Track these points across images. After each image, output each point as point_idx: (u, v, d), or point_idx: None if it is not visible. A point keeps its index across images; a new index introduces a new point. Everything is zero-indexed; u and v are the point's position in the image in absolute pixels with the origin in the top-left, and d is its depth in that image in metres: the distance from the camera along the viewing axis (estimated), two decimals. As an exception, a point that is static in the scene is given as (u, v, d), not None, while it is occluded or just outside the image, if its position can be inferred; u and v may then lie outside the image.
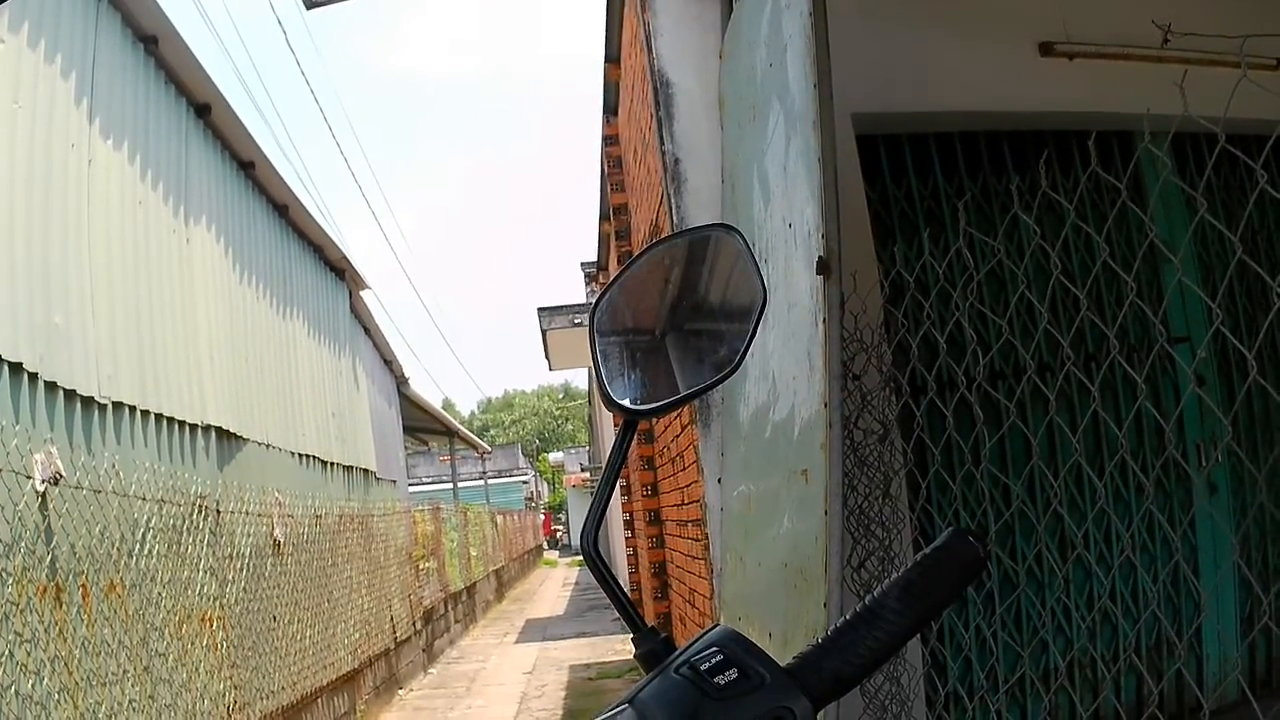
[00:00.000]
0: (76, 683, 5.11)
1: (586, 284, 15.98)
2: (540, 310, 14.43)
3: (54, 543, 5.10)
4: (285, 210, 11.16)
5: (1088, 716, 4.07)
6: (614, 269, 11.01)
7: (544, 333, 14.56)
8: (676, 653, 1.00)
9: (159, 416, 7.08)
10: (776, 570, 3.35)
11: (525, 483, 54.59)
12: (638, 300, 1.25)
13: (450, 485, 27.90)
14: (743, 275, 1.17)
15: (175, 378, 7.50)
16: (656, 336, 1.23)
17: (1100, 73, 4.57)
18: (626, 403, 1.16)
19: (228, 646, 7.35)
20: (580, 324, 13.81)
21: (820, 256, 2.90)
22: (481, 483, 36.32)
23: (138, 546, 6.04)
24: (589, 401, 33.14)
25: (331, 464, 12.02)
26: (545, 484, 61.80)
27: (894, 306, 3.87)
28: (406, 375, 18.37)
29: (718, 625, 1.03)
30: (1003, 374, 4.36)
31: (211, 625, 7.09)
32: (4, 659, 4.54)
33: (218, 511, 7.48)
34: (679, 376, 1.19)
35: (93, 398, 6.07)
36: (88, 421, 6.02)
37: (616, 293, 1.23)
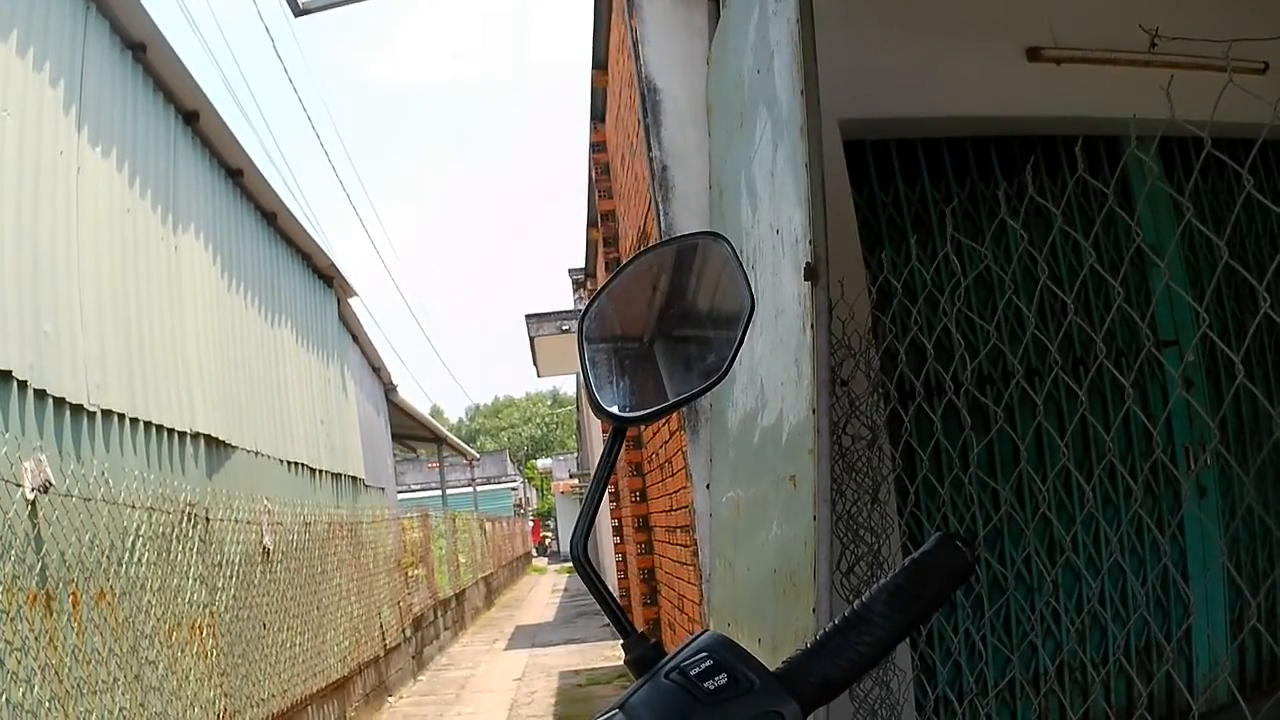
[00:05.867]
0: (67, 691, 5.09)
1: (574, 290, 15.96)
2: (528, 317, 14.41)
3: (44, 550, 5.09)
4: (273, 218, 11.13)
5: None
6: (602, 276, 11.01)
7: (532, 339, 14.55)
8: (666, 658, 1.00)
9: (148, 424, 7.06)
10: (765, 576, 3.35)
11: (514, 489, 54.52)
12: (626, 308, 1.25)
13: (439, 492, 27.79)
14: (730, 283, 1.18)
15: (164, 385, 7.48)
16: (645, 344, 1.23)
17: (1087, 78, 4.58)
18: (615, 410, 1.16)
19: (218, 654, 7.33)
20: (568, 330, 13.81)
21: (808, 263, 2.90)
22: (470, 489, 36.21)
23: (127, 554, 6.02)
24: (577, 408, 33.09)
25: (320, 471, 11.99)
26: (534, 491, 61.71)
27: (882, 312, 3.87)
28: (395, 382, 18.34)
29: (707, 630, 1.04)
30: (991, 379, 4.37)
31: (201, 633, 7.07)
32: (-6, 667, 4.54)
33: (207, 519, 7.47)
34: (667, 383, 1.19)
35: (82, 405, 6.05)
36: (77, 429, 6.00)
37: (605, 300, 1.23)
